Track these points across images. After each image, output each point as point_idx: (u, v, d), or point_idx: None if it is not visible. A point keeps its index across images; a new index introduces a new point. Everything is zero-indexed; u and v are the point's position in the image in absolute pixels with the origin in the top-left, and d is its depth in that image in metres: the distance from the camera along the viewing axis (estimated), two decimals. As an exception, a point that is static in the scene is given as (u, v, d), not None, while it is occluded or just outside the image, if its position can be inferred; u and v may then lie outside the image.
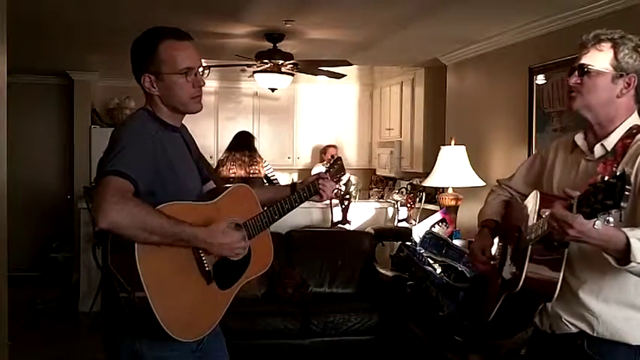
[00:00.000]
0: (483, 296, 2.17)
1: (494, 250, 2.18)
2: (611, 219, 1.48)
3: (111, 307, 1.93)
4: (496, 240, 2.20)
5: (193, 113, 2.05)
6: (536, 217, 1.84)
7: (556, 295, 1.84)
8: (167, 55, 1.95)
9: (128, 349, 1.92)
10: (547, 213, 1.68)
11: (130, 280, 1.79)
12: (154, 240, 1.77)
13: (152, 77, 1.97)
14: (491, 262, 2.13)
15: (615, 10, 3.91)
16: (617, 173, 1.47)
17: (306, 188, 2.31)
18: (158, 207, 1.81)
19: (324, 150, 8.15)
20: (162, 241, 1.79)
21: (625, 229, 1.65)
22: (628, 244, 1.63)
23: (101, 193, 1.75)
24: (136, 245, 1.77)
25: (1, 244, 3.67)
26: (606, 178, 1.48)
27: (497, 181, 2.36)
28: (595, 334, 1.85)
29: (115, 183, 1.77)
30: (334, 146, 8.17)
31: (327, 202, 6.34)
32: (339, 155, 2.71)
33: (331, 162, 2.50)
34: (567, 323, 1.90)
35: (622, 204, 1.43)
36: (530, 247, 1.82)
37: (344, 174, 2.50)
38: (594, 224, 1.52)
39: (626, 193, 1.42)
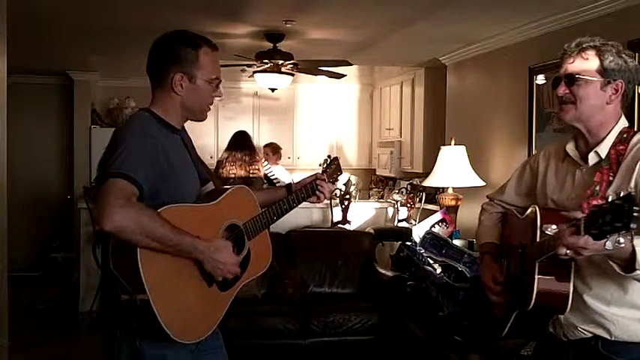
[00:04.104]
0: (488, 303, 2.15)
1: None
2: (622, 240, 1.48)
3: (111, 308, 1.93)
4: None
5: (200, 121, 2.13)
6: (538, 233, 1.81)
7: (569, 306, 1.82)
8: (205, 62, 2.02)
9: (128, 347, 1.92)
10: (550, 228, 1.67)
11: (132, 282, 1.79)
12: (155, 246, 1.77)
13: (185, 77, 2.00)
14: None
15: (615, 10, 3.91)
16: (622, 194, 1.46)
17: (304, 189, 2.31)
18: (159, 209, 1.81)
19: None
20: (163, 249, 1.79)
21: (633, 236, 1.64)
22: (633, 253, 1.63)
23: (106, 195, 1.75)
24: (138, 248, 1.76)
25: (1, 244, 3.67)
26: (610, 198, 1.48)
27: (488, 196, 2.33)
28: (613, 339, 1.84)
29: (120, 186, 1.76)
30: (269, 145, 7.65)
31: (327, 202, 6.34)
32: (336, 155, 2.67)
33: (328, 162, 2.47)
34: (583, 331, 1.89)
35: (632, 225, 1.43)
36: (537, 264, 1.80)
37: (341, 174, 2.47)
38: (605, 245, 1.51)
39: (635, 214, 1.42)
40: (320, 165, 2.45)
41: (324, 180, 2.34)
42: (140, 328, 1.85)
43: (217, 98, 2.13)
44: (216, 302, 2.01)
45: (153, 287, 1.77)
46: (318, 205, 6.38)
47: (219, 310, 2.03)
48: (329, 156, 2.69)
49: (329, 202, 6.34)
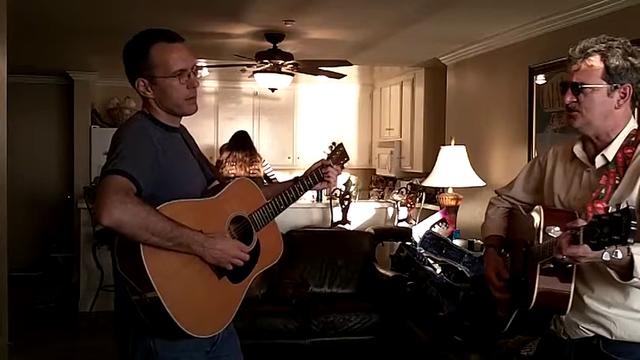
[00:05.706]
0: (491, 300, 2.15)
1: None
2: (619, 252, 1.50)
3: (124, 309, 1.92)
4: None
5: (189, 115, 2.05)
6: (541, 234, 1.81)
7: (569, 308, 1.82)
8: (159, 59, 1.94)
9: (143, 348, 1.92)
10: (553, 230, 1.68)
11: (140, 282, 1.78)
12: (154, 241, 1.77)
13: (146, 81, 1.97)
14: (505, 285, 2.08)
15: (615, 10, 3.91)
16: (622, 206, 1.46)
17: (310, 176, 2.27)
18: (161, 205, 1.81)
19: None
20: (162, 244, 1.78)
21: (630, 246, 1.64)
22: (631, 261, 1.63)
23: (104, 191, 1.75)
24: (141, 246, 1.76)
25: (1, 244, 3.67)
26: (610, 209, 1.49)
27: (496, 191, 2.33)
28: (614, 338, 1.84)
29: (117, 181, 1.77)
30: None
31: (327, 201, 6.35)
32: (341, 142, 2.63)
33: (332, 149, 2.42)
34: (584, 330, 1.89)
35: (628, 240, 1.44)
36: (539, 265, 1.80)
37: (347, 159, 2.42)
38: (602, 255, 1.52)
39: (632, 228, 1.43)
40: (324, 152, 2.42)
41: (331, 165, 2.30)
42: (154, 326, 1.85)
43: (195, 87, 1.99)
44: (229, 295, 2.00)
45: (160, 284, 1.77)
46: (318, 204, 6.40)
47: (233, 303, 2.02)
48: (334, 142, 2.65)
49: (329, 202, 6.35)
